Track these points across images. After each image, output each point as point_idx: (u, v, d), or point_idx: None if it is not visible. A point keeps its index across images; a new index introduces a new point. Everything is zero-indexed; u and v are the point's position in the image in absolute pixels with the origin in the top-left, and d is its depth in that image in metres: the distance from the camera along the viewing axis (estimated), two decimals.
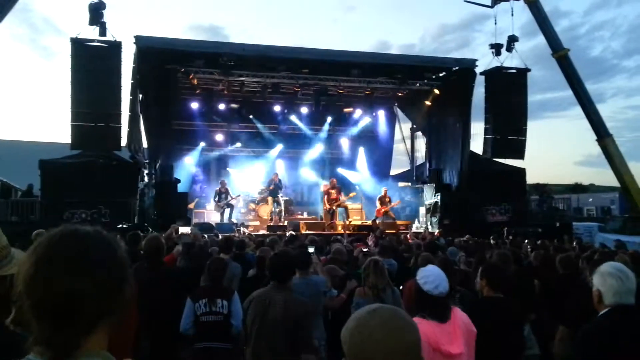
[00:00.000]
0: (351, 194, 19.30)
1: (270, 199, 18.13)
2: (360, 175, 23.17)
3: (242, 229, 16.12)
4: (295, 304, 3.85)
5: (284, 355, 3.66)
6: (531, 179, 22.09)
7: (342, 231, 16.74)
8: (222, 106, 20.36)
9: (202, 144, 21.60)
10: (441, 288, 3.13)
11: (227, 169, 22.47)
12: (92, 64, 15.28)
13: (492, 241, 11.64)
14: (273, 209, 18.04)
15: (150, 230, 13.02)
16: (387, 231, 15.79)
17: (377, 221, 17.85)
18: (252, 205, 19.29)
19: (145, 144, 16.77)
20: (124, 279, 1.21)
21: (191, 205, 17.70)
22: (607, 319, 2.70)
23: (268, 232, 15.60)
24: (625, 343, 2.60)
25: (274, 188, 18.27)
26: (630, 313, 2.71)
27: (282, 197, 18.82)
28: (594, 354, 2.63)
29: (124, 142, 15.85)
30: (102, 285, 1.14)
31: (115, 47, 15.51)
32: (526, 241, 11.69)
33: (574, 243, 12.08)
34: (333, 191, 18.34)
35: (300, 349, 3.71)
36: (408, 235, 12.64)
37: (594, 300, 2.82)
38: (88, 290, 1.11)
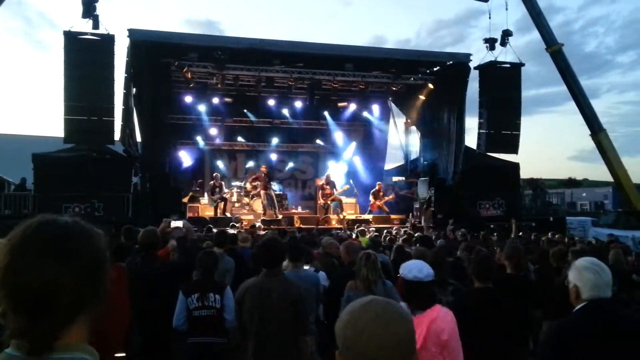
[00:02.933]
0: (344, 187, 19.32)
1: (263, 192, 18.00)
2: (355, 169, 23.18)
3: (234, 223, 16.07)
4: (289, 288, 3.86)
5: (284, 340, 3.69)
6: (525, 173, 22.16)
7: (336, 225, 16.79)
8: (216, 100, 20.30)
9: (199, 139, 21.58)
10: (415, 272, 3.18)
11: (221, 163, 22.43)
12: (85, 57, 15.20)
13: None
14: (266, 203, 17.93)
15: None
16: (380, 225, 15.86)
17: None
18: (246, 199, 19.25)
19: (138, 138, 16.71)
20: (102, 270, 1.17)
21: (185, 200, 17.66)
22: (584, 312, 2.70)
23: (263, 226, 15.60)
24: (603, 336, 2.61)
25: (263, 181, 18.09)
26: (608, 306, 2.72)
27: (274, 190, 18.72)
28: (571, 348, 2.64)
29: (117, 136, 15.80)
30: (80, 276, 1.10)
31: (108, 41, 15.42)
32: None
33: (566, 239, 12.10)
34: (327, 186, 18.33)
35: (298, 332, 3.73)
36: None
37: (571, 296, 2.81)
38: (65, 280, 1.08)
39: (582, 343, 2.61)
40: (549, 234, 11.27)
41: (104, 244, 1.21)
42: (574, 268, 2.84)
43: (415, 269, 3.22)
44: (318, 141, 23.46)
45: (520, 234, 12.58)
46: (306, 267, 5.56)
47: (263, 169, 18.39)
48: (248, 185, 18.85)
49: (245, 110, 21.38)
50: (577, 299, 2.78)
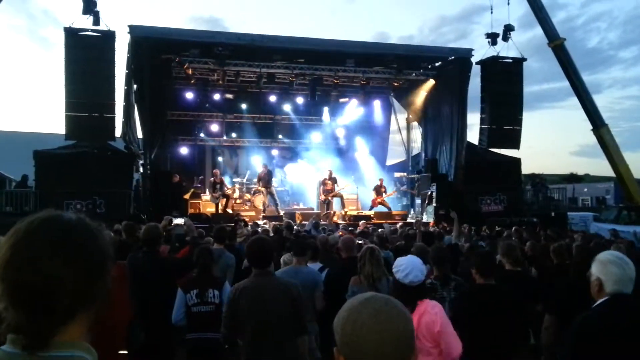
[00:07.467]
0: (346, 185, 19.26)
1: (264, 190, 17.98)
2: (356, 165, 23.14)
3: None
4: (285, 287, 3.80)
5: (281, 340, 3.63)
6: (527, 169, 22.14)
7: (337, 221, 16.74)
8: (217, 96, 20.25)
9: (200, 135, 21.60)
10: (411, 277, 3.13)
11: (222, 159, 22.43)
12: (86, 54, 15.17)
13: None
14: (268, 201, 17.93)
15: (145, 217, 12.98)
16: (382, 221, 15.82)
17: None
18: (248, 196, 19.24)
19: (139, 135, 16.69)
20: (105, 269, 1.16)
21: (186, 196, 17.65)
22: (606, 307, 2.69)
23: (265, 222, 15.56)
24: (624, 332, 2.60)
25: (264, 180, 18.07)
26: (629, 302, 2.70)
27: (275, 187, 18.68)
28: (592, 341, 2.62)
29: (118, 132, 15.78)
30: (82, 274, 1.09)
31: (108, 37, 15.38)
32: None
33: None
34: (329, 182, 18.29)
35: (296, 332, 3.70)
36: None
37: (593, 289, 2.79)
38: (67, 277, 1.07)
39: (604, 338, 2.60)
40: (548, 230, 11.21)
41: (108, 242, 1.21)
42: (598, 261, 2.82)
43: (411, 274, 3.18)
44: (319, 137, 23.44)
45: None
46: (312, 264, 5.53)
47: (264, 168, 18.33)
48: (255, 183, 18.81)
49: (245, 106, 21.35)
50: (599, 292, 2.76)
